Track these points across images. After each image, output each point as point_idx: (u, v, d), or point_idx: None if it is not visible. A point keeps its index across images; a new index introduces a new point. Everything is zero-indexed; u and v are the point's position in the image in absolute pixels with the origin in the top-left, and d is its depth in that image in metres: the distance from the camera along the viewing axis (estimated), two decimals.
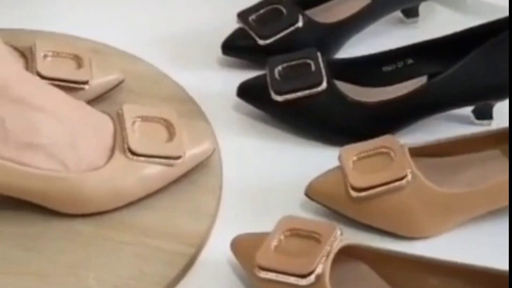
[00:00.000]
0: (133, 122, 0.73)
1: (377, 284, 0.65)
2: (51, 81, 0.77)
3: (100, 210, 0.71)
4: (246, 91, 0.82)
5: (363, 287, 0.65)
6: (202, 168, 0.75)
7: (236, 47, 0.88)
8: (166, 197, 0.73)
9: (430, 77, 0.81)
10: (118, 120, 0.74)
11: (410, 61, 0.83)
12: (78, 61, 0.82)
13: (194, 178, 0.75)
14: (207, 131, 0.79)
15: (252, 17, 0.88)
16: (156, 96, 0.83)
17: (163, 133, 0.74)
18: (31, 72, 0.78)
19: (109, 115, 0.74)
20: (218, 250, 0.70)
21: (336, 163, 0.73)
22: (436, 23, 0.94)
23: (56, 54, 0.81)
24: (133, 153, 0.71)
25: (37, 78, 0.74)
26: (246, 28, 0.87)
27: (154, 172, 0.72)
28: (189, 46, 0.91)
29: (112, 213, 0.71)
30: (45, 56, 0.80)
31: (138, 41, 0.90)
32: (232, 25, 0.88)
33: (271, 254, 0.64)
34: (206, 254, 0.70)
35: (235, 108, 0.83)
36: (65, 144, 0.70)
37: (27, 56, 0.80)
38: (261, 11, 0.88)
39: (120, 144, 0.72)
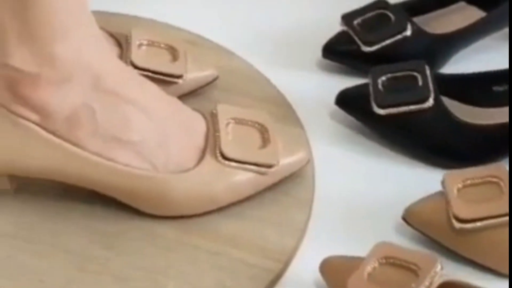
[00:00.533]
0: (227, 124, 0.70)
1: None
2: (144, 72, 0.74)
3: (185, 214, 0.68)
4: (346, 100, 0.77)
5: None
6: (295, 178, 0.71)
7: (338, 51, 0.83)
8: (255, 206, 0.69)
9: None
10: (212, 120, 0.70)
11: None
12: (173, 52, 0.78)
13: (285, 188, 0.71)
14: (302, 139, 0.75)
15: (357, 21, 0.83)
16: (250, 96, 0.80)
17: (257, 138, 0.70)
18: (125, 61, 0.75)
19: (202, 113, 0.71)
20: (304, 268, 0.66)
21: (438, 187, 0.68)
22: None
23: (151, 44, 0.78)
24: (225, 158, 0.68)
25: (132, 69, 0.71)
26: (350, 32, 0.83)
27: (245, 179, 0.68)
28: (288, 45, 0.87)
29: (198, 218, 0.68)
30: (140, 45, 0.77)
31: (235, 36, 0.87)
32: (335, 27, 0.84)
33: (364, 282, 0.60)
34: (291, 272, 0.66)
35: (331, 115, 0.79)
36: (155, 143, 0.67)
37: (122, 44, 0.77)
38: (367, 15, 0.84)
39: (212, 146, 0.68)
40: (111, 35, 0.78)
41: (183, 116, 0.70)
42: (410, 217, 0.67)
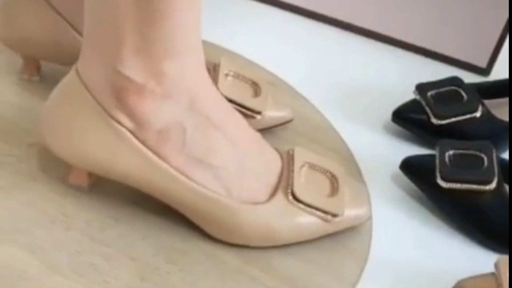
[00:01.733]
0: (301, 166, 0.73)
1: None
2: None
3: (249, 245, 0.70)
4: (411, 167, 0.80)
5: None
6: (353, 232, 0.74)
7: (407, 118, 0.87)
8: (314, 250, 0.72)
9: None
10: (287, 159, 0.73)
11: None
12: (255, 88, 0.81)
13: (344, 240, 0.74)
14: (365, 196, 0.78)
15: (430, 93, 0.87)
16: (319, 144, 0.83)
17: (327, 186, 0.73)
18: None
19: (279, 152, 0.74)
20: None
21: (489, 269, 0.71)
22: None
23: (237, 76, 0.81)
24: (295, 198, 0.70)
25: (225, 99, 0.73)
26: (422, 102, 0.86)
27: (309, 222, 0.71)
28: (360, 102, 0.90)
29: (259, 251, 0.70)
30: (227, 75, 0.81)
31: (310, 82, 0.90)
32: (408, 94, 0.88)
33: None
34: None
35: (394, 178, 0.82)
36: (234, 171, 0.70)
37: (210, 71, 0.80)
38: (441, 90, 0.87)
39: (285, 185, 0.71)
40: None
41: (263, 151, 0.73)
42: None
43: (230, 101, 0.78)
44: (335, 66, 0.94)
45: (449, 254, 0.76)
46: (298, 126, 0.83)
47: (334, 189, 0.73)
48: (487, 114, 0.85)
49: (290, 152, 0.74)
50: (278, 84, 0.87)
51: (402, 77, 0.92)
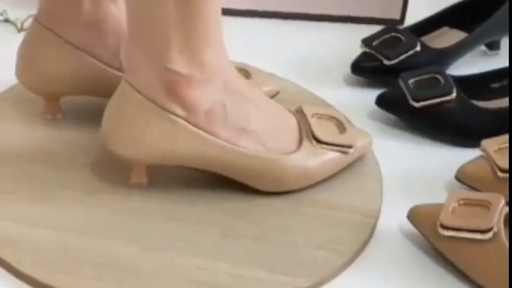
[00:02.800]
0: (312, 117, 0.88)
1: None
2: None
3: (293, 188, 0.85)
4: (385, 100, 0.98)
5: None
6: (361, 161, 0.91)
7: (364, 67, 1.04)
8: (339, 181, 0.88)
9: None
10: (299, 115, 0.89)
11: None
12: (244, 73, 0.97)
13: (357, 168, 0.90)
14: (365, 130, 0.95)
15: (375, 43, 1.05)
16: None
17: (335, 127, 0.89)
18: None
19: (290, 111, 0.89)
20: (390, 221, 0.85)
21: (456, 164, 0.89)
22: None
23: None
24: (318, 141, 0.86)
25: (240, 75, 0.88)
26: (372, 51, 1.04)
27: (333, 157, 0.87)
28: (320, 68, 1.08)
29: (300, 193, 0.86)
30: None
31: (279, 66, 1.06)
32: (351, 53, 1.06)
33: (451, 216, 0.79)
34: (381, 224, 0.85)
35: (370, 116, 1.00)
36: (268, 131, 0.84)
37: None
38: (382, 38, 1.05)
39: (306, 133, 0.86)
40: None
41: (281, 112, 0.88)
42: (462, 176, 0.88)
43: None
44: (286, 49, 1.11)
45: (437, 157, 0.94)
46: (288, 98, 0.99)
47: (342, 128, 0.89)
48: (424, 47, 1.04)
49: (299, 109, 0.89)
50: (252, 70, 1.02)
51: (340, 43, 1.10)
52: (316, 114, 0.89)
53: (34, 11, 1.05)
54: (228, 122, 0.82)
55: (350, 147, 0.88)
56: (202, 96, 0.80)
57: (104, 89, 0.88)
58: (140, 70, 0.80)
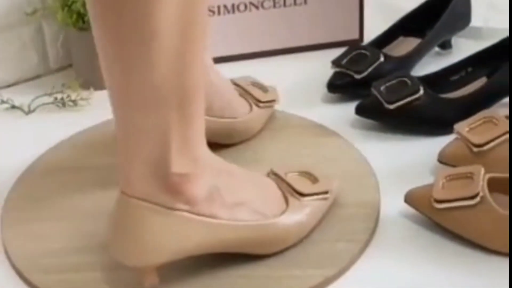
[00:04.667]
0: (285, 175, 0.96)
1: None
2: (267, 104, 1.12)
3: (288, 245, 0.91)
4: (363, 109, 1.11)
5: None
6: (354, 164, 1.04)
7: (339, 85, 1.18)
8: (340, 183, 1.00)
9: (488, 76, 1.13)
10: (273, 177, 0.95)
11: (470, 69, 1.14)
12: (263, 88, 1.13)
13: (352, 171, 1.03)
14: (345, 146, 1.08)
15: (344, 61, 1.18)
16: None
17: (307, 180, 0.96)
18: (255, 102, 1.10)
19: (265, 175, 0.96)
20: (390, 208, 0.98)
21: (435, 150, 1.03)
22: (463, 51, 1.27)
23: (254, 85, 1.13)
24: (301, 194, 0.93)
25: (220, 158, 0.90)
26: (342, 69, 1.17)
27: (318, 205, 0.94)
28: (301, 93, 1.22)
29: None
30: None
31: None
32: (327, 73, 1.20)
33: (442, 191, 0.92)
34: (383, 213, 0.97)
35: (352, 126, 1.13)
36: (259, 199, 0.90)
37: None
38: (349, 56, 1.19)
39: (288, 191, 0.93)
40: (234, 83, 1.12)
41: (262, 179, 0.94)
42: (443, 158, 1.01)
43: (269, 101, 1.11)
44: (270, 82, 1.21)
45: (419, 148, 1.08)
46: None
47: (313, 179, 0.96)
48: (387, 57, 1.18)
49: (271, 172, 0.96)
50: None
51: (313, 68, 1.25)
52: (287, 171, 0.96)
53: (38, 95, 1.18)
54: (225, 201, 0.86)
55: (327, 192, 0.95)
56: (200, 187, 0.84)
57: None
58: (139, 180, 0.81)
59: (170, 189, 0.82)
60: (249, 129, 1.09)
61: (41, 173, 1.07)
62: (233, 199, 0.87)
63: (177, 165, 0.82)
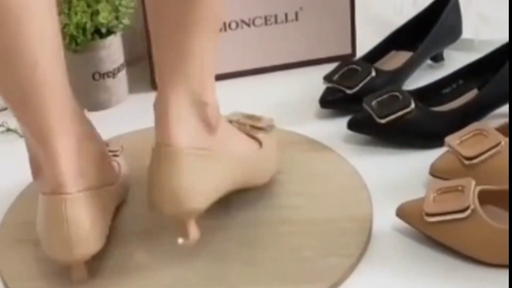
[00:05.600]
0: (242, 118, 1.05)
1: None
2: None
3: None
4: (355, 124, 1.12)
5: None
6: (346, 178, 1.05)
7: (331, 100, 1.18)
8: (331, 198, 1.01)
9: (479, 88, 1.14)
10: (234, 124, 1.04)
11: (461, 81, 1.15)
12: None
13: (344, 184, 1.04)
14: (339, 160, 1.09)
15: (335, 77, 1.19)
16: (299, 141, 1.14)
17: (255, 119, 1.05)
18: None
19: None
20: (382, 222, 0.98)
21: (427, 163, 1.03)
22: (455, 63, 1.27)
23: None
24: (260, 129, 1.04)
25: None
26: (334, 85, 1.18)
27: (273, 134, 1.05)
28: (294, 109, 1.22)
29: (299, 216, 0.99)
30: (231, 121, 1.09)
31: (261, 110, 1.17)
32: (319, 89, 1.20)
33: (433, 205, 0.92)
34: (375, 227, 0.98)
35: (345, 141, 1.13)
36: (242, 139, 1.01)
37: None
38: (341, 72, 1.19)
39: (251, 130, 1.04)
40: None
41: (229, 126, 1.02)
42: (434, 171, 1.01)
43: None
44: (265, 99, 1.26)
45: (411, 162, 1.08)
46: None
47: (256, 118, 1.05)
48: (378, 71, 1.19)
49: (229, 119, 1.03)
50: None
51: (306, 84, 1.26)
52: (241, 118, 1.05)
53: None
54: (224, 138, 0.94)
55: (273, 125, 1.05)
56: (218, 118, 0.92)
57: None
58: (183, 123, 0.88)
59: (205, 122, 0.90)
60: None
61: (35, 196, 1.07)
62: (227, 136, 0.95)
63: (208, 94, 0.90)
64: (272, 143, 1.03)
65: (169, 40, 0.89)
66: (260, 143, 1.02)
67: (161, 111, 0.89)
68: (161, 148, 0.88)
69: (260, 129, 1.03)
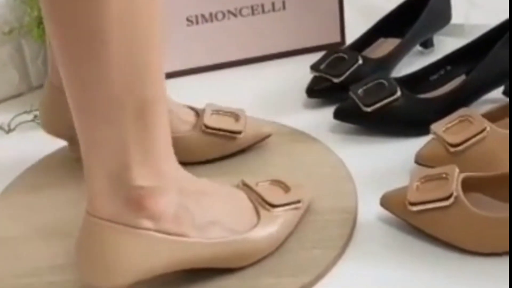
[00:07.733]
0: (256, 185, 0.95)
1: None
2: (215, 131, 1.05)
3: (262, 256, 0.90)
4: (341, 113, 1.10)
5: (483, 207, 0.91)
6: (333, 168, 1.03)
7: (318, 89, 1.17)
8: (317, 188, 0.99)
9: (467, 74, 1.12)
10: (244, 188, 0.94)
11: (448, 67, 1.13)
12: (236, 117, 1.08)
13: (330, 175, 1.02)
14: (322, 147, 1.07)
15: (322, 66, 1.17)
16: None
17: (279, 189, 0.95)
18: (200, 125, 1.05)
19: (235, 186, 0.95)
20: (367, 212, 0.97)
21: (414, 151, 1.02)
22: (445, 49, 1.26)
23: (218, 112, 1.08)
24: (272, 205, 0.92)
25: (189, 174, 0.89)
26: (321, 74, 1.17)
27: (289, 214, 0.93)
28: (280, 99, 1.21)
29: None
30: (212, 113, 1.07)
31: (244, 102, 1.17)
32: (306, 78, 1.19)
33: (416, 194, 0.91)
34: (360, 217, 0.96)
35: (331, 130, 1.12)
36: (231, 216, 0.89)
37: (199, 113, 1.07)
38: (328, 60, 1.18)
39: (258, 203, 0.92)
40: (192, 108, 1.08)
41: (233, 192, 0.93)
42: (420, 159, 1.00)
43: (219, 129, 1.05)
44: (250, 90, 1.24)
45: (397, 150, 1.06)
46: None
47: (285, 188, 0.95)
48: (365, 59, 1.18)
49: (241, 183, 0.94)
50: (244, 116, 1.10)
51: (293, 74, 1.24)
52: (257, 182, 0.95)
53: (18, 113, 1.18)
54: (196, 221, 0.85)
55: (299, 201, 0.94)
56: (166, 203, 0.83)
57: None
58: (103, 197, 0.81)
59: (133, 203, 0.81)
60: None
61: (20, 192, 1.07)
62: (204, 219, 0.86)
63: (139, 178, 0.81)
64: (275, 226, 0.91)
65: (78, 126, 0.81)
66: (258, 218, 0.91)
67: (86, 177, 0.82)
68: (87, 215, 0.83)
69: (269, 205, 0.92)
